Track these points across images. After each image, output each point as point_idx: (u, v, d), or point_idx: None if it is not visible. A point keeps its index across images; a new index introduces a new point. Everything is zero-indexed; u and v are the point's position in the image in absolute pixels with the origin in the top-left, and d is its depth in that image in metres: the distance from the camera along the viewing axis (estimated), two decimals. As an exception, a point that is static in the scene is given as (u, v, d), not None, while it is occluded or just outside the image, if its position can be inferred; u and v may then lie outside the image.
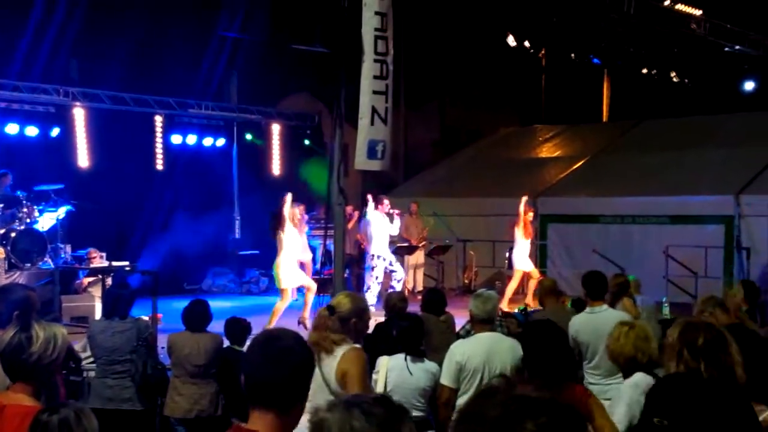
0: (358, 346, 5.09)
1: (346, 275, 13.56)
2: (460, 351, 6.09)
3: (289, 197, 12.39)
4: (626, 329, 5.11)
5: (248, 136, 20.34)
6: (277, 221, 12.31)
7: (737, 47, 14.54)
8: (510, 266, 16.35)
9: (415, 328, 6.56)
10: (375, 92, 9.31)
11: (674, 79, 20.72)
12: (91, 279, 14.17)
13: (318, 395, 4.44)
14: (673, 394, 2.74)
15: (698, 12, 13.70)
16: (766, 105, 15.78)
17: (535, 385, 1.72)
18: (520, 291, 15.86)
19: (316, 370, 5.07)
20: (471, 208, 19.64)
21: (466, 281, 18.22)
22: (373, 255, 14.40)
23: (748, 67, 17.41)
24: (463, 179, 21.57)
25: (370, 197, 14.79)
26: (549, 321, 5.38)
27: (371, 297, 14.00)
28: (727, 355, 3.68)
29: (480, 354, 5.98)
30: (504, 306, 14.41)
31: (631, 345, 5.01)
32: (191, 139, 19.30)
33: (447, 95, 29.76)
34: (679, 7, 13.51)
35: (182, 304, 8.04)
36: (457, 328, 8.52)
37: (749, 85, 20.30)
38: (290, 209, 12.42)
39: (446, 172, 23.01)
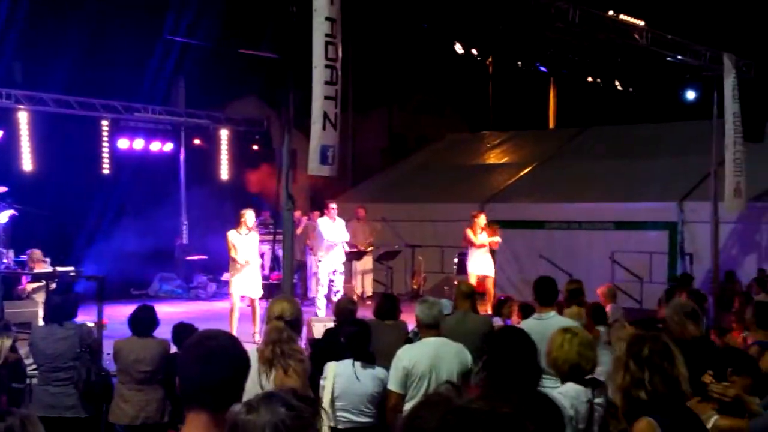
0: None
1: (294, 280, 13.52)
2: (406, 356, 6.10)
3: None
4: (569, 336, 5.08)
5: (196, 141, 20.21)
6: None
7: (679, 57, 14.77)
8: (458, 271, 16.44)
9: (362, 334, 6.56)
10: (326, 98, 9.29)
11: (618, 88, 21.01)
12: (34, 285, 13.94)
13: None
14: None
15: (641, 22, 13.90)
16: (708, 114, 16.05)
17: (484, 393, 1.72)
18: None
19: (263, 382, 5.11)
20: (419, 214, 19.73)
21: (415, 286, 18.28)
22: (318, 260, 14.39)
23: (689, 77, 17.72)
24: (411, 185, 21.66)
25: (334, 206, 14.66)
26: (518, 330, 5.34)
27: (320, 302, 13.99)
28: (672, 366, 3.74)
29: (426, 359, 6.01)
30: None
31: (575, 352, 5.00)
32: (138, 144, 19.13)
33: (395, 101, 29.87)
34: (623, 17, 13.69)
35: (129, 309, 7.96)
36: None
37: (691, 95, 20.70)
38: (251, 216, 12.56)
39: (394, 177, 23.09)
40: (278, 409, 2.16)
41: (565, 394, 4.78)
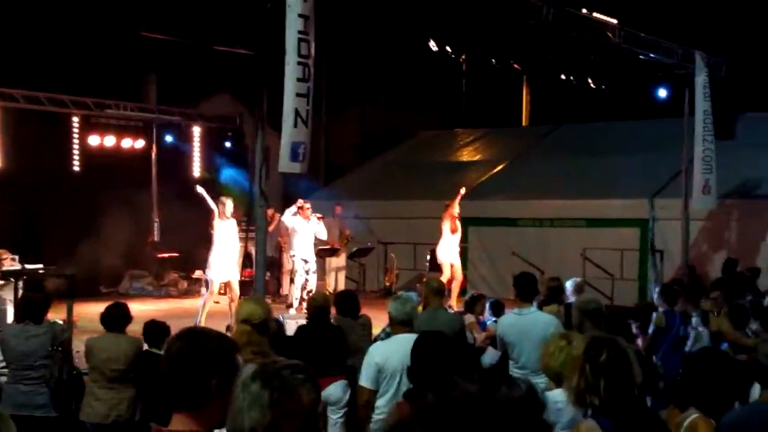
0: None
1: (267, 277, 13.50)
2: (378, 352, 6.10)
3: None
4: (564, 343, 5.07)
5: (168, 138, 20.08)
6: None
7: (651, 55, 14.87)
8: (431, 268, 16.46)
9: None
10: (298, 95, 9.28)
11: (591, 86, 21.09)
12: (2, 282, 13.79)
13: None
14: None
15: (614, 21, 13.98)
16: (679, 111, 16.18)
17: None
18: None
19: None
20: (392, 211, 19.73)
21: (388, 283, 18.29)
22: (292, 256, 14.35)
23: (661, 75, 17.82)
24: (385, 182, 21.66)
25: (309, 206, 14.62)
26: (439, 334, 5.34)
27: (293, 300, 13.96)
28: (629, 373, 3.76)
29: (399, 355, 5.99)
30: (453, 302, 14.48)
31: (561, 362, 4.96)
32: (109, 140, 18.97)
33: (368, 99, 29.81)
34: (596, 15, 13.76)
35: (99, 308, 7.91)
36: (377, 331, 8.56)
37: (663, 93, 20.78)
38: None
39: (367, 175, 23.07)
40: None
41: (552, 398, 4.78)
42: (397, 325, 6.36)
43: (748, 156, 17.14)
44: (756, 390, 4.59)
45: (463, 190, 15.47)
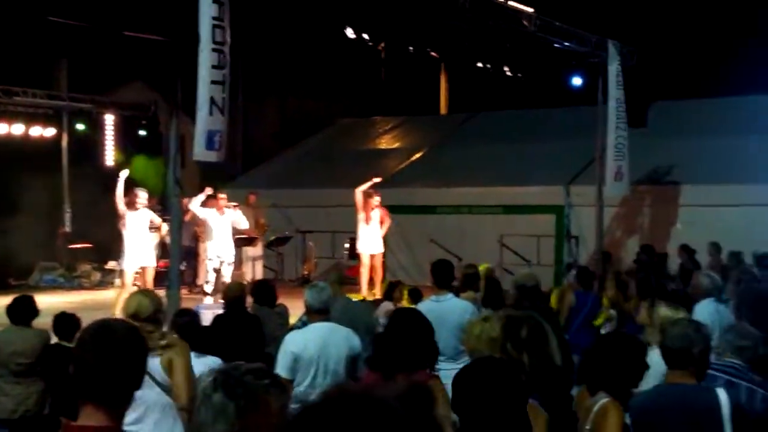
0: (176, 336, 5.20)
1: (182, 267, 13.31)
2: (295, 341, 6.05)
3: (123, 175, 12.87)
4: (488, 326, 5.10)
5: (79, 126, 19.61)
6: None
7: (565, 44, 15.06)
8: (350, 257, 16.45)
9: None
10: (213, 82, 9.12)
11: (508, 74, 21.31)
12: None
13: (145, 390, 4.39)
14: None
15: (530, 9, 14.10)
16: (593, 99, 16.44)
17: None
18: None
19: None
20: (310, 200, 19.64)
21: (306, 272, 18.21)
22: (205, 250, 14.20)
23: (576, 63, 18.07)
24: (303, 170, 21.55)
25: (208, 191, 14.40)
26: (414, 311, 5.35)
27: (209, 288, 13.80)
28: (547, 345, 3.80)
29: (315, 344, 5.97)
30: (364, 293, 14.55)
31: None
32: (17, 129, 18.43)
33: (286, 87, 29.59)
34: (512, 3, 13.86)
35: (7, 300, 7.66)
36: (294, 320, 8.49)
37: (577, 81, 21.09)
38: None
39: (286, 163, 22.93)
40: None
41: None
42: (314, 314, 6.31)
43: (660, 143, 17.54)
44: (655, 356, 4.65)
45: (377, 179, 15.45)
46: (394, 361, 4.68)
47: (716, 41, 27.33)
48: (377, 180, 15.41)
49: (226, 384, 2.35)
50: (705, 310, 7.36)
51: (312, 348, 5.96)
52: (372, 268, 15.10)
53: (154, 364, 5.01)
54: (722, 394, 4.27)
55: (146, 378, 4.72)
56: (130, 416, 5.13)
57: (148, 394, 4.86)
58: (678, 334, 4.40)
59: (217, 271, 13.89)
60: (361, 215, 15.05)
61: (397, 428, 1.43)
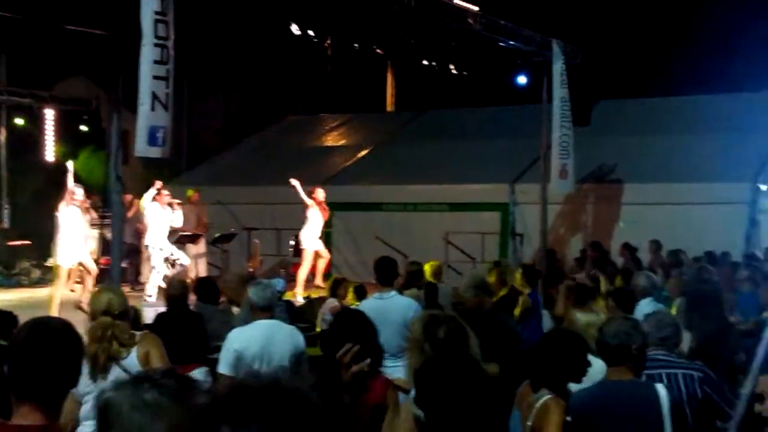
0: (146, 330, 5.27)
1: (124, 265, 13.15)
2: (238, 339, 6.01)
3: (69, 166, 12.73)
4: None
5: (19, 121, 19.24)
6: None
7: (510, 42, 15.16)
8: (295, 254, 16.37)
9: None
10: (155, 77, 9.00)
11: (453, 72, 21.39)
12: None
13: None
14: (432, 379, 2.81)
15: (475, 8, 14.17)
16: (538, 98, 16.56)
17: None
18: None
19: (117, 368, 4.95)
20: (256, 197, 19.51)
21: (251, 269, 18.05)
22: (147, 245, 14.03)
23: (521, 62, 18.23)
24: (248, 167, 21.40)
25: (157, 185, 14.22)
26: (356, 311, 5.35)
27: (151, 288, 13.62)
28: (466, 347, 3.82)
29: (258, 342, 5.93)
30: (299, 290, 14.54)
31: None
32: (-46, 123, 18.06)
33: (231, 83, 29.39)
34: (457, 2, 13.91)
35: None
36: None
37: (522, 79, 21.28)
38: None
39: (231, 160, 22.77)
40: (165, 381, 2.07)
41: None
42: (258, 311, 6.27)
43: (603, 142, 17.74)
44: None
45: (295, 182, 15.34)
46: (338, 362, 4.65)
47: (659, 41, 27.77)
48: (296, 183, 15.32)
49: (140, 401, 2.11)
50: (644, 310, 7.49)
51: (255, 345, 5.92)
52: (316, 262, 15.08)
53: (131, 359, 5.05)
54: (661, 390, 4.35)
55: (123, 375, 4.71)
56: None
57: None
58: (615, 331, 4.46)
59: (172, 259, 13.79)
60: (309, 212, 14.97)
61: (304, 416, 1.41)
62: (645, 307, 7.60)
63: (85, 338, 5.09)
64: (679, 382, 4.82)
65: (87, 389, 4.97)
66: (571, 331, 5.46)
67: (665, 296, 8.96)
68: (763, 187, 16.04)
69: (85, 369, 4.96)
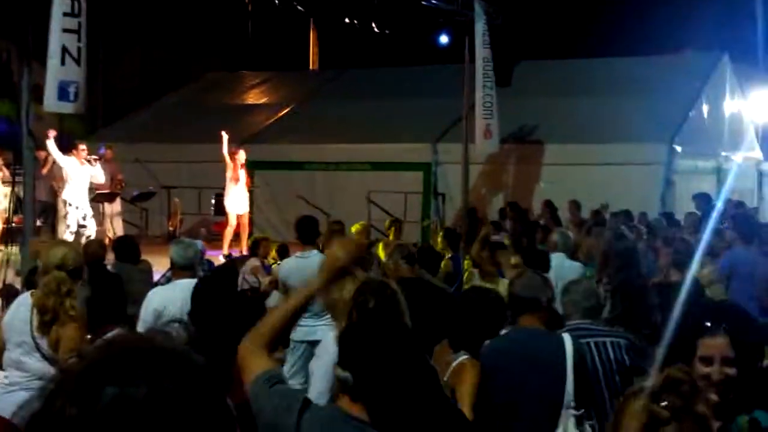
0: None
1: (39, 223, 12.78)
2: (158, 298, 5.93)
3: None
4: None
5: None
6: None
7: (433, 1, 15.09)
8: (216, 212, 16.23)
9: None
10: (65, 30, 8.71)
11: (375, 30, 21.22)
12: None
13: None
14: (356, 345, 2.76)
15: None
16: (460, 58, 16.54)
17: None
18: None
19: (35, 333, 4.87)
20: (175, 155, 19.18)
21: (171, 228, 17.77)
22: (64, 201, 13.63)
23: (443, 21, 18.16)
24: (167, 125, 21.01)
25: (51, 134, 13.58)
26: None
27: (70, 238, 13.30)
28: (399, 316, 3.78)
29: (178, 301, 5.82)
30: (225, 250, 14.54)
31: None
32: None
33: (150, 39, 28.66)
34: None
35: None
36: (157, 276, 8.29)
37: (444, 39, 21.24)
38: None
39: (149, 117, 22.30)
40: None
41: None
42: (179, 270, 6.19)
43: (525, 103, 17.85)
44: None
45: (225, 135, 15.21)
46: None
47: (580, 4, 28.00)
48: (225, 135, 15.19)
49: None
50: (556, 263, 7.66)
51: (176, 305, 5.81)
52: (240, 226, 15.04)
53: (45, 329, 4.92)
54: (568, 341, 4.43)
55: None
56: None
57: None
58: (525, 284, 4.55)
59: (81, 225, 13.38)
60: (228, 174, 14.92)
61: (194, 375, 1.34)
62: (554, 260, 7.75)
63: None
64: (608, 351, 4.88)
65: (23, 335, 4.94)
66: (488, 289, 5.53)
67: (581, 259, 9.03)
68: (678, 148, 16.36)
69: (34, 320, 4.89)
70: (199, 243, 7.62)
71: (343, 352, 2.76)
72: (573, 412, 4.37)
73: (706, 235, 8.03)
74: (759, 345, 4.57)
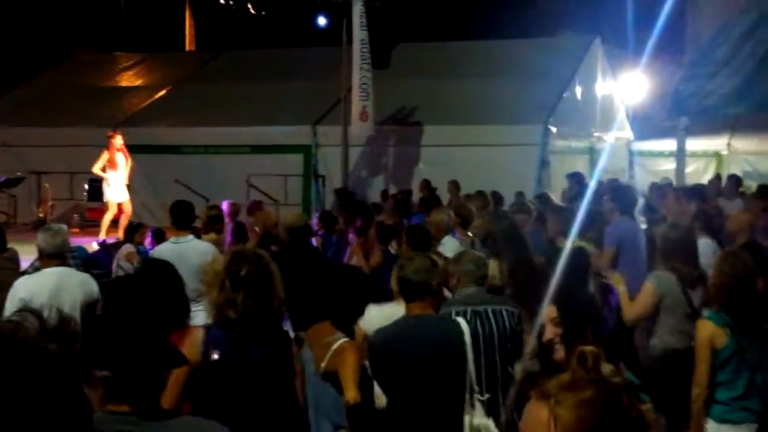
0: None
1: None
2: (24, 287, 5.72)
3: None
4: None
5: None
6: None
7: (311, -18, 15.00)
8: (90, 198, 15.82)
9: None
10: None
11: (252, 12, 20.98)
12: None
13: None
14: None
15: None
16: (338, 40, 16.50)
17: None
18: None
19: None
20: (45, 139, 18.52)
21: (42, 215, 17.17)
22: None
23: (320, 3, 18.08)
24: (37, 108, 20.25)
25: None
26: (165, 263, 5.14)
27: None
28: (269, 288, 3.77)
29: (47, 290, 5.62)
30: (102, 236, 14.17)
31: None
32: None
33: (18, 18, 27.54)
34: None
35: None
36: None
37: (322, 21, 21.16)
38: None
39: (17, 99, 21.45)
40: None
41: None
42: (47, 259, 5.95)
43: (403, 85, 17.95)
44: None
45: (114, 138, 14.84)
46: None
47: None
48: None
49: None
50: (447, 246, 7.74)
51: (43, 294, 5.59)
52: (120, 213, 14.64)
53: None
54: (462, 323, 4.48)
55: None
56: None
57: None
58: (416, 268, 4.55)
59: None
60: (103, 160, 14.50)
61: (18, 361, 1.31)
62: (447, 242, 7.87)
63: None
64: (504, 318, 4.95)
65: None
66: (355, 266, 5.55)
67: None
68: (553, 129, 16.73)
69: None
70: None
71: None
72: (479, 396, 4.42)
73: (584, 206, 8.27)
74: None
